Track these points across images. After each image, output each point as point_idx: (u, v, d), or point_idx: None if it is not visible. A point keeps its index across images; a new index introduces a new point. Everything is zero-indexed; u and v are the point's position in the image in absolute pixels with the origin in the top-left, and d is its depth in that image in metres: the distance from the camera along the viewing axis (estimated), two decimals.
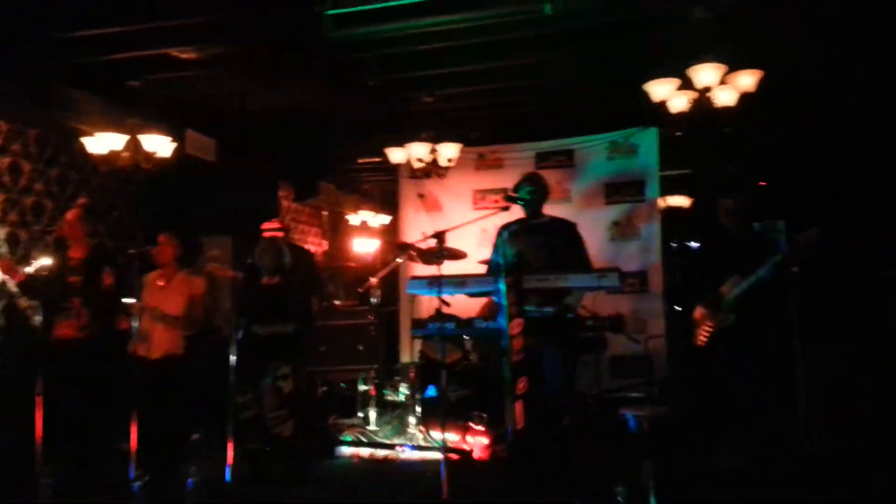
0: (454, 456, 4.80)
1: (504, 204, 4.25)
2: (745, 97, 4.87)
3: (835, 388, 4.75)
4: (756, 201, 7.35)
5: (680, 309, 6.83)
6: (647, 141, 6.65)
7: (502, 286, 3.65)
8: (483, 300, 5.66)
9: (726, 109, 4.89)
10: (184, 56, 5.14)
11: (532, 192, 4.16)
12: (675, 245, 7.76)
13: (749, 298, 4.47)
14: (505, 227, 4.31)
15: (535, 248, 4.10)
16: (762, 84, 4.84)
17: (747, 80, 4.85)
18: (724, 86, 4.86)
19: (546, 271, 3.82)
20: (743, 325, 4.53)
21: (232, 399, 4.31)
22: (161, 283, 4.61)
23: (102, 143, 5.27)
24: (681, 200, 8.97)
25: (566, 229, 4.22)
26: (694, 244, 7.83)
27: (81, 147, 5.44)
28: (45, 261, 4.43)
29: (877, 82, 5.44)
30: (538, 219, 4.24)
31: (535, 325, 3.75)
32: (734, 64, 4.76)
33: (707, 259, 5.12)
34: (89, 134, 5.34)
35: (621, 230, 6.62)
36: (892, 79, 5.30)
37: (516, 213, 4.30)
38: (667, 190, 8.38)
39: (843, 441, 4.53)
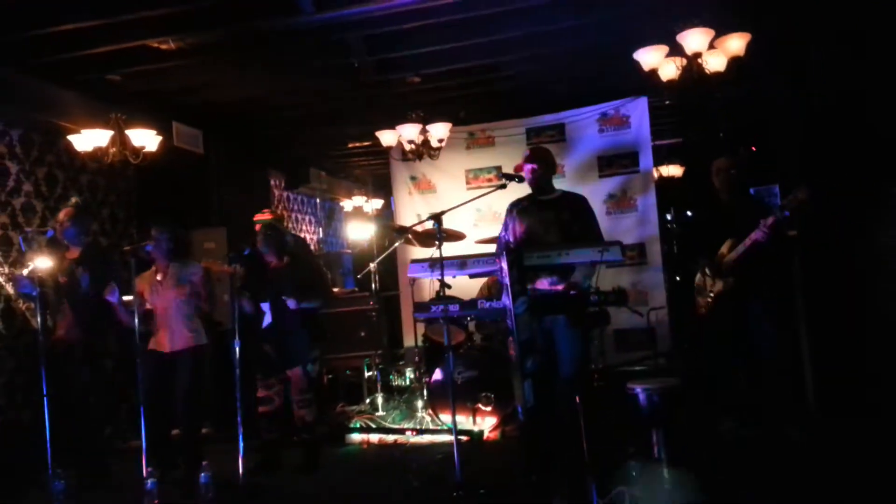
0: (464, 437, 4.81)
1: (498, 182, 4.19)
2: (733, 61, 4.82)
3: (841, 352, 4.75)
4: (750, 165, 7.36)
5: (679, 279, 6.85)
6: (638, 111, 6.62)
7: (504, 265, 3.61)
8: (480, 284, 5.67)
9: (716, 74, 4.84)
10: (163, 47, 5.03)
11: (532, 170, 4.09)
12: (670, 215, 7.77)
13: (746, 262, 4.47)
14: (515, 204, 4.24)
15: (546, 224, 4.03)
16: (750, 47, 4.79)
17: (736, 43, 4.80)
18: (713, 50, 4.81)
19: (551, 247, 3.79)
20: (743, 290, 4.54)
21: (246, 391, 4.28)
22: (159, 278, 4.57)
23: (88, 139, 5.18)
24: (674, 170, 8.95)
25: (576, 204, 4.15)
26: (689, 213, 7.85)
27: (68, 145, 5.35)
28: (40, 262, 4.36)
29: (869, 36, 5.39)
30: (548, 194, 4.17)
31: (544, 303, 3.72)
32: (721, 28, 4.71)
33: (704, 226, 5.11)
34: (73, 131, 5.25)
35: (617, 203, 6.60)
36: (886, 34, 5.25)
37: (515, 191, 4.23)
38: (659, 160, 8.39)
39: (851, 406, 4.55)
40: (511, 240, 4.13)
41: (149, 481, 3.87)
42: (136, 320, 4.28)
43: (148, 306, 4.54)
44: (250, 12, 4.68)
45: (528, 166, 4.10)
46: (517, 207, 4.20)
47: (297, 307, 4.55)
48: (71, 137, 5.25)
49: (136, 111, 5.65)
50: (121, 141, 5.26)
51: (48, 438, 4.22)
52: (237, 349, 4.25)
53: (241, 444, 4.13)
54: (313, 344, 4.68)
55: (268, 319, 4.62)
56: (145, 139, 5.31)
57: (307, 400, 4.63)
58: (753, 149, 7.97)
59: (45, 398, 4.30)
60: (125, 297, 4.79)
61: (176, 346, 4.49)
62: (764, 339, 4.49)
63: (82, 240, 4.63)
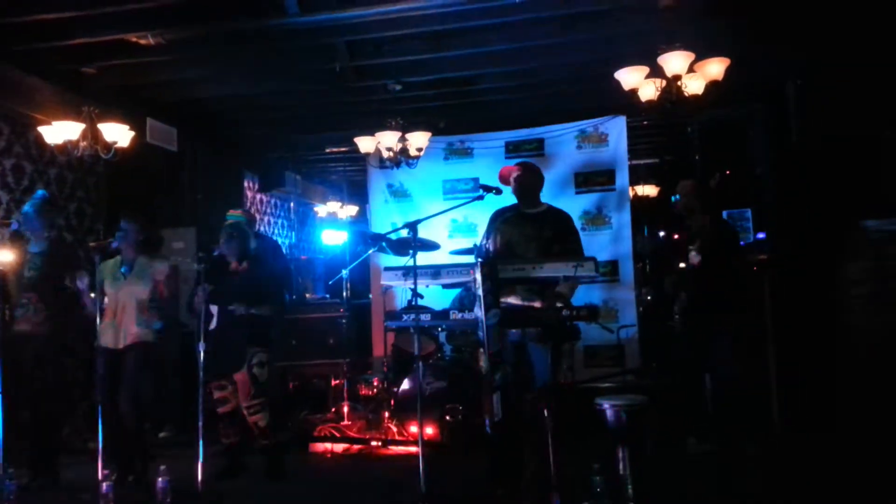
0: (430, 449, 4.76)
1: (475, 194, 4.18)
2: (711, 85, 4.89)
3: (806, 373, 4.84)
4: (721, 188, 7.47)
5: (651, 298, 6.91)
6: (616, 130, 6.67)
7: (478, 276, 3.60)
8: (452, 295, 5.64)
9: (694, 97, 4.91)
10: (142, 42, 4.96)
11: (517, 177, 4.09)
12: (644, 234, 7.85)
13: (700, 282, 4.53)
14: (500, 213, 4.22)
15: (527, 239, 4.01)
16: (729, 72, 4.87)
17: (715, 68, 4.87)
18: (693, 74, 4.88)
19: (525, 261, 3.78)
20: (700, 309, 4.59)
21: (205, 394, 4.19)
22: (122, 270, 4.48)
23: (59, 132, 5.06)
24: (649, 189, 9.05)
25: (560, 222, 4.14)
26: (661, 233, 7.94)
27: (38, 136, 5.23)
28: (2, 255, 4.25)
29: (846, 70, 5.52)
30: (534, 208, 4.16)
31: (519, 317, 3.71)
32: (701, 52, 4.78)
33: (673, 245, 5.18)
34: (44, 123, 5.13)
35: (592, 220, 6.63)
36: (862, 70, 5.39)
37: (492, 203, 4.21)
38: (635, 179, 8.47)
39: (815, 425, 4.63)
40: (491, 249, 4.11)
41: (105, 484, 3.76)
42: (98, 316, 4.18)
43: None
44: (233, 11, 4.64)
45: (514, 173, 4.09)
46: (501, 217, 4.18)
47: (246, 313, 4.47)
48: (41, 129, 5.13)
49: (109, 105, 5.54)
50: (92, 135, 5.15)
51: (0, 436, 4.09)
52: (202, 352, 4.17)
53: (201, 449, 4.04)
54: (254, 348, 4.54)
55: (214, 322, 4.53)
56: (117, 134, 5.21)
57: (257, 405, 4.53)
58: (728, 172, 8.10)
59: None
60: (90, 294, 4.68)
61: (124, 342, 4.38)
62: (723, 358, 4.55)
63: (46, 234, 4.52)
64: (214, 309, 4.53)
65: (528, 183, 4.11)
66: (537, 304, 3.83)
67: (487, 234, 4.20)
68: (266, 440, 4.60)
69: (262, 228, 9.30)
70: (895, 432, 4.21)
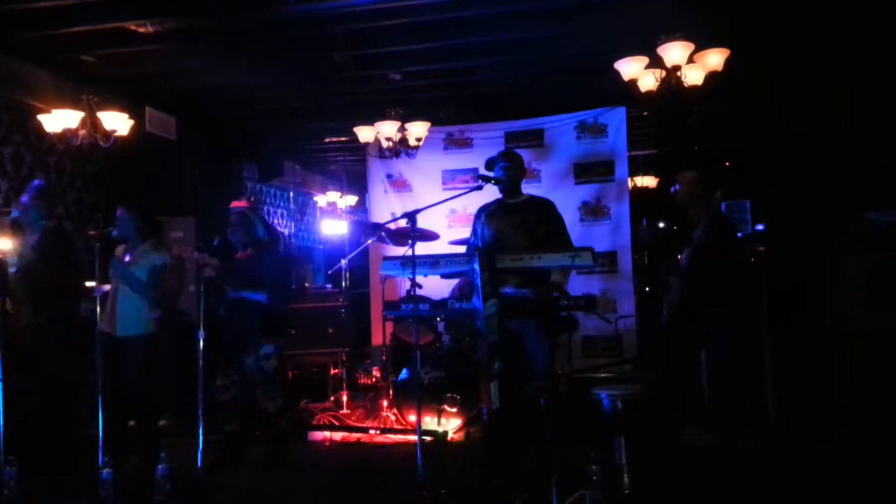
0: (428, 438, 4.79)
1: (474, 184, 4.19)
2: (711, 76, 4.89)
3: (802, 366, 4.85)
4: (720, 179, 7.46)
5: (648, 289, 6.93)
6: (616, 120, 6.67)
7: (476, 266, 3.60)
8: (451, 284, 5.64)
9: (694, 88, 4.90)
10: (141, 30, 4.95)
11: (506, 168, 4.10)
12: (643, 225, 7.85)
13: (692, 276, 4.53)
14: (483, 209, 4.26)
15: (513, 228, 4.04)
16: (728, 62, 4.86)
17: (715, 58, 4.87)
18: (692, 64, 4.87)
19: (523, 251, 3.79)
20: (693, 297, 4.59)
21: (208, 383, 4.21)
22: (126, 258, 4.49)
23: (58, 120, 5.06)
24: (648, 181, 9.05)
25: (543, 207, 4.17)
26: (661, 224, 7.95)
27: (37, 125, 5.22)
28: (2, 243, 4.26)
29: (842, 63, 5.51)
30: (516, 198, 4.18)
31: (517, 306, 3.72)
32: (701, 42, 4.77)
33: (673, 237, 5.18)
34: (43, 111, 5.13)
35: (591, 211, 6.64)
36: (858, 63, 5.37)
37: (490, 193, 4.23)
38: (634, 170, 8.47)
39: (811, 418, 4.64)
40: (479, 244, 4.13)
41: (104, 472, 3.78)
42: (98, 305, 4.19)
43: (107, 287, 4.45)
44: (233, 0, 4.63)
45: (504, 164, 4.11)
46: (485, 212, 4.22)
47: (235, 295, 4.48)
48: (40, 117, 5.13)
49: (108, 94, 5.54)
50: (91, 123, 5.15)
51: (0, 424, 4.10)
52: (201, 340, 4.18)
53: (201, 437, 4.06)
54: (266, 337, 4.56)
55: (220, 312, 4.56)
56: (117, 123, 5.21)
57: (270, 391, 4.56)
58: (727, 164, 8.10)
59: None
60: (87, 283, 4.70)
61: (125, 331, 4.39)
62: (720, 351, 4.56)
63: (44, 223, 4.52)
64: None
65: (515, 173, 4.13)
66: (530, 293, 3.84)
67: (474, 231, 4.23)
68: (272, 428, 4.62)
69: None
70: (893, 427, 4.23)
